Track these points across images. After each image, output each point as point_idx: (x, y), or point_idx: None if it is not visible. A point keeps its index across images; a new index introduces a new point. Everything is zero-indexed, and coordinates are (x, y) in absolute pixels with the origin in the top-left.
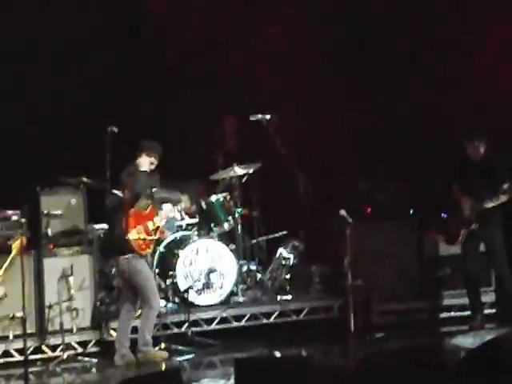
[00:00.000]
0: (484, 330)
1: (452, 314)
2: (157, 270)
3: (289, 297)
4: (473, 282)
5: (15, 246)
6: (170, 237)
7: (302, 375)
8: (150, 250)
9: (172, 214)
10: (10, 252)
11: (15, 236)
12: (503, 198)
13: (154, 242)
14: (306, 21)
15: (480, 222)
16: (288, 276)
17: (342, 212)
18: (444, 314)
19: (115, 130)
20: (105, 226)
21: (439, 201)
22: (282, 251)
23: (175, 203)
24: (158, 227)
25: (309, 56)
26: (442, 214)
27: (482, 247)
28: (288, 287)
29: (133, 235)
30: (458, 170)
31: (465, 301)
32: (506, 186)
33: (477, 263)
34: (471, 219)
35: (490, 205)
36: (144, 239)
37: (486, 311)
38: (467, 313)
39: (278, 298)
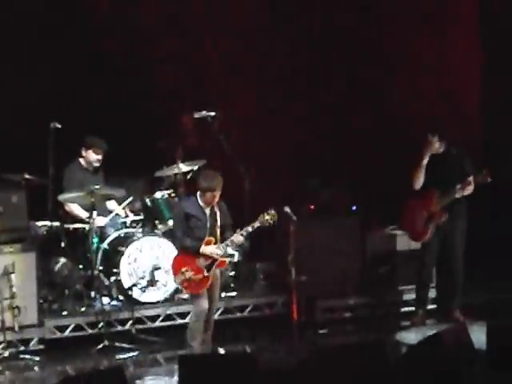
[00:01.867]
0: (426, 325)
1: (395, 309)
2: (100, 268)
3: (233, 293)
4: (429, 278)
5: None
6: (113, 234)
7: (246, 372)
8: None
9: (116, 211)
10: None
11: None
12: (469, 190)
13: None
14: (253, 17)
15: (446, 215)
16: (232, 273)
17: (286, 209)
18: (387, 310)
19: (58, 125)
20: (47, 222)
21: (385, 198)
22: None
23: (119, 200)
24: (215, 260)
25: (255, 52)
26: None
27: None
28: (232, 284)
29: (178, 279)
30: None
31: (407, 297)
32: (470, 179)
33: (435, 258)
34: (437, 212)
35: (457, 195)
36: (192, 279)
37: (428, 307)
38: (410, 309)
39: (223, 294)
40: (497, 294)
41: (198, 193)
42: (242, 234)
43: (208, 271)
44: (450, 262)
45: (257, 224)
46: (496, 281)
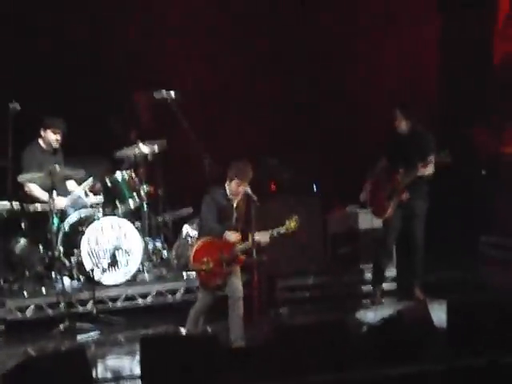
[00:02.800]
0: (384, 304)
1: (356, 288)
2: (61, 249)
3: (194, 274)
4: (387, 256)
5: None
6: (74, 214)
7: (207, 351)
8: (218, 283)
9: (76, 191)
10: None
11: None
12: (430, 169)
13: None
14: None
15: (408, 193)
16: None
17: (247, 189)
18: (347, 289)
19: (17, 106)
20: (6, 203)
21: (347, 177)
22: (187, 228)
23: (79, 181)
24: (237, 256)
25: (213, 30)
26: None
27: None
28: None
29: (196, 266)
30: (386, 143)
31: (369, 276)
32: (431, 158)
33: (395, 238)
34: (400, 190)
35: (418, 174)
36: (209, 270)
37: (387, 286)
38: (369, 288)
39: (184, 274)
40: (456, 272)
41: (227, 183)
42: (265, 236)
43: (227, 266)
44: (411, 242)
45: (283, 230)
46: (455, 258)
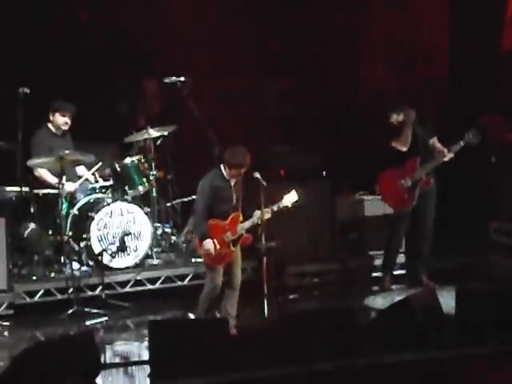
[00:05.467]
0: (393, 290)
1: (365, 275)
2: (70, 233)
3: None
4: (399, 243)
5: None
6: (83, 199)
7: (216, 336)
8: (225, 262)
9: (86, 176)
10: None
11: None
12: (451, 154)
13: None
14: None
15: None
16: None
17: (256, 174)
18: (356, 276)
19: (27, 90)
20: (16, 187)
21: (354, 163)
22: None
23: (89, 165)
24: (242, 235)
25: (224, 18)
26: (323, 173)
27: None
28: None
29: (202, 249)
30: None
31: (378, 262)
32: (461, 142)
33: (407, 225)
34: (422, 179)
35: (445, 159)
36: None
37: (397, 272)
38: (378, 274)
39: (193, 260)
40: (465, 259)
41: (222, 165)
42: (268, 212)
43: (233, 246)
44: (421, 229)
45: (282, 203)
46: (464, 246)
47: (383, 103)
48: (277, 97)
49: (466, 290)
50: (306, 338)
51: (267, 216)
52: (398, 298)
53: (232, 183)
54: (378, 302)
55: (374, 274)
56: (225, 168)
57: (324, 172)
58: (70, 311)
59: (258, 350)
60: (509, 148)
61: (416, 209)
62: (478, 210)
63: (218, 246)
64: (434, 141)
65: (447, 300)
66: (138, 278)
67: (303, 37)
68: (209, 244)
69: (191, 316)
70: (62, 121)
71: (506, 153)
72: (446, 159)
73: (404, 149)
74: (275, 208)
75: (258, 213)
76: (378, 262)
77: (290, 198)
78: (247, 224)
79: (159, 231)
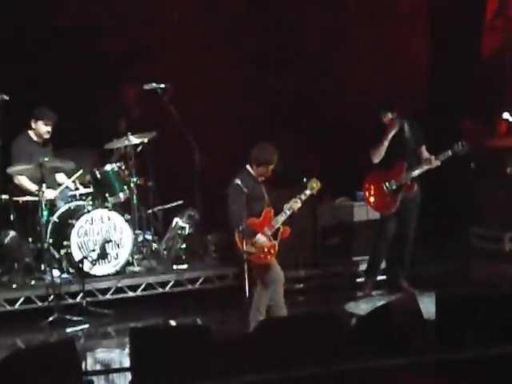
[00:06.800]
0: (375, 296)
1: (348, 280)
2: (50, 240)
3: (184, 266)
4: (385, 248)
5: None
6: (63, 207)
7: (198, 343)
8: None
9: (66, 183)
10: None
11: None
12: (438, 162)
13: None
14: None
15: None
16: (184, 245)
17: (237, 181)
18: (338, 281)
19: (6, 97)
20: None
21: (334, 169)
22: (177, 220)
23: (69, 173)
24: (279, 228)
25: (205, 23)
26: (358, 194)
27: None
28: (184, 256)
29: (247, 249)
30: (375, 139)
31: (357, 268)
32: (449, 152)
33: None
34: (407, 184)
35: (432, 166)
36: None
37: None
38: (360, 279)
39: (174, 267)
40: (445, 265)
41: (248, 165)
42: (296, 202)
43: (275, 239)
44: (404, 234)
45: (308, 191)
46: (444, 251)
47: (366, 108)
48: (256, 98)
49: (446, 295)
50: (287, 344)
51: (297, 206)
52: (377, 304)
53: (261, 181)
54: (359, 307)
55: (358, 280)
56: (252, 167)
57: (305, 179)
58: (51, 319)
59: (240, 356)
60: (487, 153)
61: (398, 214)
62: (458, 215)
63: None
64: (423, 148)
65: (427, 305)
66: (119, 285)
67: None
68: (261, 237)
69: (173, 323)
70: (44, 129)
71: (484, 158)
72: (432, 166)
73: (376, 160)
74: (303, 197)
75: (287, 205)
76: (362, 267)
77: (315, 185)
78: (281, 218)
79: (140, 238)
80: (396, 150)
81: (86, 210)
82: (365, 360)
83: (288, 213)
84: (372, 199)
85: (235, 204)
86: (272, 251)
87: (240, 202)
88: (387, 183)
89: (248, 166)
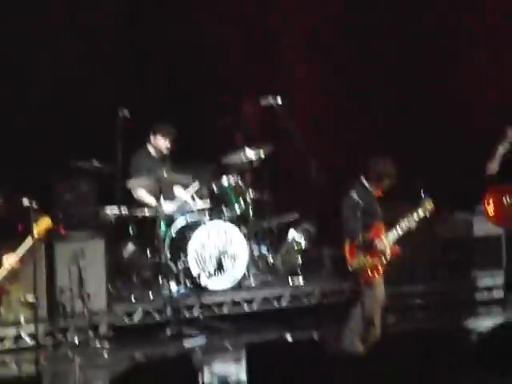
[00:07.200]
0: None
1: (468, 296)
2: (168, 254)
3: (301, 280)
4: None
5: (39, 229)
6: (181, 220)
7: (313, 359)
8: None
9: (184, 197)
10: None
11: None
12: None
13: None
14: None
15: None
16: (300, 259)
17: (353, 194)
18: (458, 297)
19: (127, 114)
20: (115, 208)
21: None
22: (293, 234)
23: (186, 187)
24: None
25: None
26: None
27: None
28: (300, 271)
29: (356, 264)
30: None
31: (482, 283)
32: None
33: None
34: None
35: None
36: (369, 265)
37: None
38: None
39: (290, 281)
40: None
41: (364, 179)
42: (409, 221)
43: (384, 256)
44: None
45: (420, 211)
46: None
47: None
48: (370, 110)
49: None
50: (404, 361)
51: (412, 224)
52: (500, 321)
53: (375, 195)
54: (481, 324)
55: (480, 296)
56: (367, 180)
57: (423, 192)
58: (169, 332)
59: (359, 374)
60: None
61: None
62: None
63: (369, 259)
64: None
65: None
66: (235, 299)
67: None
68: (381, 243)
69: (289, 338)
70: (163, 144)
71: None
72: None
73: (491, 172)
74: (415, 216)
75: (401, 223)
76: (485, 282)
77: (428, 205)
78: (392, 235)
79: (256, 252)
80: None
81: (203, 224)
82: (484, 379)
83: (400, 232)
84: (492, 213)
85: (350, 219)
86: (379, 269)
87: (354, 216)
88: (508, 197)
89: (363, 179)
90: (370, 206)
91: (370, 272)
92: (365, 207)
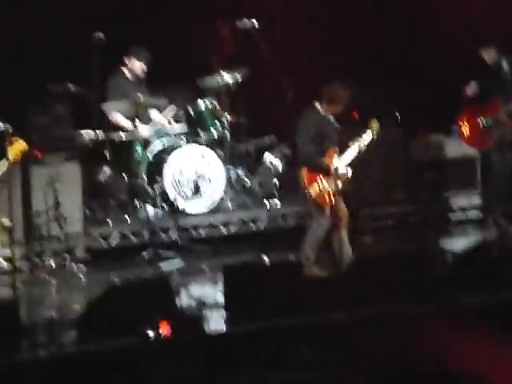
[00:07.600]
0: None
1: (442, 217)
2: (145, 178)
3: (277, 202)
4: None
5: (14, 152)
6: (157, 143)
7: (291, 280)
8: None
9: (159, 120)
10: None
11: (13, 143)
12: None
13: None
14: None
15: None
16: (276, 181)
17: (306, 119)
18: (433, 218)
19: (102, 36)
20: (91, 132)
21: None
22: (269, 156)
23: (162, 109)
24: (336, 169)
25: None
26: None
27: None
28: (276, 192)
29: (313, 189)
30: (477, 70)
31: (454, 204)
32: None
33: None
34: (504, 121)
35: None
36: (325, 189)
37: (472, 214)
38: (456, 215)
39: (267, 203)
40: None
41: (318, 102)
42: (361, 144)
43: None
44: (498, 171)
45: (369, 133)
46: None
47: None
48: (346, 33)
49: None
50: (379, 282)
51: (364, 144)
52: (473, 240)
53: (330, 119)
54: (456, 244)
55: (454, 216)
56: (321, 105)
57: (397, 113)
58: (145, 254)
59: (332, 294)
60: None
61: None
62: None
63: (326, 183)
64: None
65: None
66: (212, 221)
67: None
68: (335, 167)
69: (266, 259)
70: (137, 66)
71: None
72: None
73: (470, 94)
74: (364, 138)
75: (351, 146)
76: (458, 203)
77: (374, 125)
78: (344, 159)
79: (233, 174)
80: (492, 85)
81: (179, 147)
82: (456, 298)
83: (351, 155)
84: (467, 134)
85: (302, 141)
86: (335, 193)
87: (308, 139)
88: (483, 119)
89: (316, 103)
90: (324, 131)
91: (327, 197)
92: (318, 132)
